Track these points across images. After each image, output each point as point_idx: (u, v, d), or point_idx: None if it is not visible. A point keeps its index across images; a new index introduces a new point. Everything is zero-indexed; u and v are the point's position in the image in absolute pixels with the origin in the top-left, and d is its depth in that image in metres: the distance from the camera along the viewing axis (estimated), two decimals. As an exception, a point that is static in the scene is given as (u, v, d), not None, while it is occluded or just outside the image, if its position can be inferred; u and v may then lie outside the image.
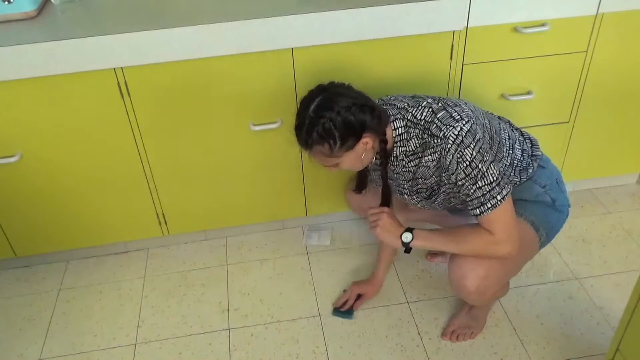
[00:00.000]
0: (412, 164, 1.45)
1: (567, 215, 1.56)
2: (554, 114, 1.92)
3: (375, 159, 1.50)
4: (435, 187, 1.47)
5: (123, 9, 1.71)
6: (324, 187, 1.96)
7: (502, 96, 1.83)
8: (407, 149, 1.42)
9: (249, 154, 1.83)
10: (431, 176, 1.43)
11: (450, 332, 1.68)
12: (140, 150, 1.75)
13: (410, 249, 1.43)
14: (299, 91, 1.72)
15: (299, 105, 1.41)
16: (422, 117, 1.38)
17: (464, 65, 1.76)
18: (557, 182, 1.54)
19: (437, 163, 1.39)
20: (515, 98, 1.83)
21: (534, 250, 1.52)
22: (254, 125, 1.74)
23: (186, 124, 1.73)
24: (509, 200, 1.36)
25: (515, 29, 1.70)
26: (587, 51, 1.79)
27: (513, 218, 1.38)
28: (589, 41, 1.77)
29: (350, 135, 1.35)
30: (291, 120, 1.75)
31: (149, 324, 1.80)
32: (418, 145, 1.40)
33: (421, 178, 1.46)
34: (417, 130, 1.39)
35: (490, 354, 1.63)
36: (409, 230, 1.43)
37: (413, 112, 1.40)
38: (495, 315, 1.74)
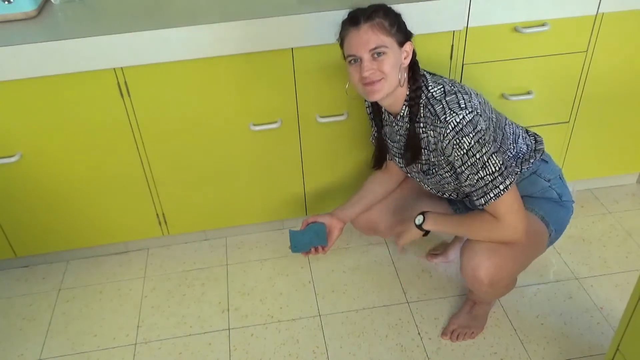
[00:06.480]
0: (416, 130, 1.47)
1: (572, 212, 1.59)
2: (554, 113, 1.92)
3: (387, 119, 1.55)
4: (431, 166, 1.50)
5: (123, 9, 1.71)
6: (324, 187, 1.96)
7: (502, 96, 1.83)
8: (412, 113, 1.45)
9: (249, 154, 1.83)
10: (431, 152, 1.46)
11: (451, 332, 1.68)
12: (140, 150, 1.75)
13: (427, 231, 1.51)
14: (299, 91, 1.72)
15: (349, 14, 1.40)
16: (432, 92, 1.41)
17: (464, 65, 1.76)
18: (560, 177, 1.57)
19: (435, 145, 1.43)
20: (515, 98, 1.83)
21: (544, 244, 1.53)
22: (254, 125, 1.74)
23: (186, 124, 1.73)
24: (513, 190, 1.38)
25: (515, 29, 1.70)
26: (587, 51, 1.79)
27: (519, 206, 1.40)
28: (589, 41, 1.77)
29: (404, 29, 1.39)
30: (292, 120, 1.77)
31: (149, 324, 1.80)
32: (421, 115, 1.43)
33: (424, 149, 1.48)
34: (424, 100, 1.42)
35: (490, 354, 1.63)
36: (422, 213, 1.51)
37: (428, 83, 1.44)
38: (495, 315, 1.74)
